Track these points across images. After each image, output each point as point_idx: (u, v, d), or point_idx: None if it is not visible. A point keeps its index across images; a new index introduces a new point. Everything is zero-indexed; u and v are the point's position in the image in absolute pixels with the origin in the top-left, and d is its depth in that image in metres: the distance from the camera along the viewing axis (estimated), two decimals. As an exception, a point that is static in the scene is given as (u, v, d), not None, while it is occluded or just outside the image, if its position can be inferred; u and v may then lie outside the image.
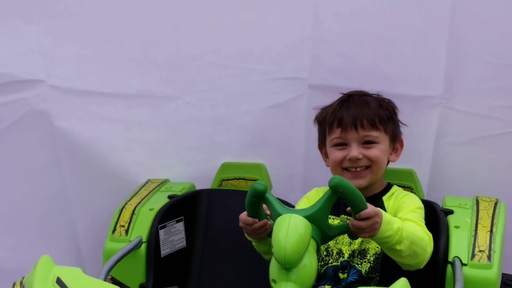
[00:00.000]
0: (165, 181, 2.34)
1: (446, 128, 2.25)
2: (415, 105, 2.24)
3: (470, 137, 2.25)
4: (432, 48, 2.20)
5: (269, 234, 1.68)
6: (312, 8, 2.25)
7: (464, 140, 2.26)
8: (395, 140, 2.00)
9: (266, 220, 1.68)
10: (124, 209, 2.09)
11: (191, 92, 2.36)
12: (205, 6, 2.29)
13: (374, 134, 1.92)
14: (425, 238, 1.76)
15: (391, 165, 2.05)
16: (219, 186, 2.31)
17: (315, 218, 1.61)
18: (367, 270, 1.83)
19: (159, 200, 2.14)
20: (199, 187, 2.32)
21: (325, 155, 2.04)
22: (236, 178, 2.28)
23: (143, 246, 2.00)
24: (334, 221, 1.90)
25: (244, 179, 2.28)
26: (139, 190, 2.23)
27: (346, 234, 1.70)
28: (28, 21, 2.24)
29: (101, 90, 2.32)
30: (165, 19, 2.30)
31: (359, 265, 1.84)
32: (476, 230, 1.89)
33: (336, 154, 1.94)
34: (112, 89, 2.33)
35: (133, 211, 2.07)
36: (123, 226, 2.02)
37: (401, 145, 2.03)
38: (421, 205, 1.91)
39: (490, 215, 1.96)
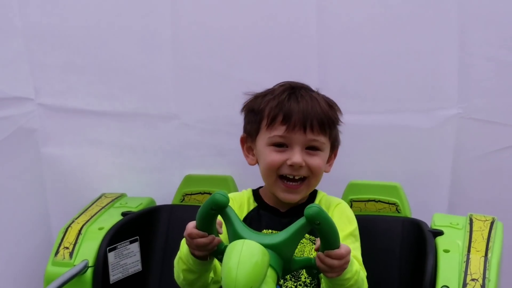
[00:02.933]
0: (121, 196, 2.19)
1: (465, 140, 2.13)
2: (431, 117, 2.12)
3: (491, 149, 2.15)
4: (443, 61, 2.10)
5: (214, 253, 1.49)
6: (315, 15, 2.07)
7: (485, 152, 2.15)
8: (334, 148, 1.77)
9: (214, 236, 1.48)
10: (69, 228, 1.96)
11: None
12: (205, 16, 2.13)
13: (321, 139, 1.68)
14: (366, 283, 1.62)
15: (375, 179, 1.93)
16: (181, 202, 2.15)
17: (281, 247, 1.42)
18: None
19: (111, 218, 2.00)
20: (159, 202, 2.16)
21: (249, 151, 1.77)
22: (200, 193, 2.11)
23: (89, 271, 1.86)
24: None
25: (209, 193, 2.10)
26: (89, 206, 2.10)
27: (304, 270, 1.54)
28: (13, 32, 2.11)
29: (91, 108, 2.19)
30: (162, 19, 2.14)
31: None
32: (468, 254, 1.75)
33: (274, 157, 1.66)
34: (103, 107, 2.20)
35: (80, 230, 1.95)
36: (67, 248, 1.89)
37: (335, 155, 1.79)
38: (354, 220, 1.73)
39: (485, 237, 1.81)
